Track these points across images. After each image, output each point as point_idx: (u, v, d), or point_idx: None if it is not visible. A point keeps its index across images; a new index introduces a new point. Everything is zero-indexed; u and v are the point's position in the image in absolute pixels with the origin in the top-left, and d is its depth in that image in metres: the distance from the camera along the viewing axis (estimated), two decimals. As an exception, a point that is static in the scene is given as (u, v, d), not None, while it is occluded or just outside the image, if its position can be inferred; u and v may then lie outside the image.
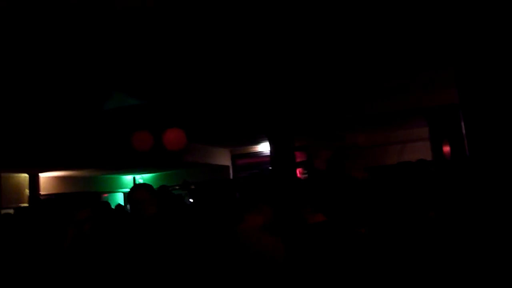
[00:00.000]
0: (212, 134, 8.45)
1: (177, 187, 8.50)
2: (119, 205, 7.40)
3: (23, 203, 8.36)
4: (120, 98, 5.06)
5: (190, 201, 6.62)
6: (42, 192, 9.16)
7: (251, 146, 10.91)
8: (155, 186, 3.22)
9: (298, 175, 8.56)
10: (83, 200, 2.10)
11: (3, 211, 6.92)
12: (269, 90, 5.45)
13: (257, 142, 10.21)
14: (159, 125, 5.81)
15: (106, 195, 11.16)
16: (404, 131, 9.45)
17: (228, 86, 5.10)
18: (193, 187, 7.59)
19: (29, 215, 2.78)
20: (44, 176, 9.46)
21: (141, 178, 12.80)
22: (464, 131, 6.46)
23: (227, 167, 11.42)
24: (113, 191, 11.91)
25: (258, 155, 11.00)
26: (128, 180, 12.92)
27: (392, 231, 2.26)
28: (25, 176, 8.73)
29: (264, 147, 10.53)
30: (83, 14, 2.90)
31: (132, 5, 2.87)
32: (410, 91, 6.13)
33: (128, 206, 8.69)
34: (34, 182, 8.99)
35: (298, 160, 8.24)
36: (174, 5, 2.92)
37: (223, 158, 11.21)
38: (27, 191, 8.73)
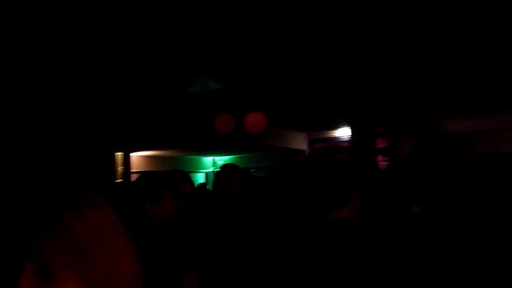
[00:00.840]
0: (291, 118, 8.49)
1: (253, 170, 8.74)
2: (201, 183, 7.85)
3: (118, 179, 9.24)
4: (204, 82, 5.31)
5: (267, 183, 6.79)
6: (132, 170, 10.04)
7: (329, 131, 10.77)
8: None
9: (378, 162, 8.29)
10: (183, 176, 2.29)
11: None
12: (351, 73, 5.32)
13: (336, 127, 10.05)
14: (241, 109, 5.99)
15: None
16: (498, 118, 8.62)
17: (309, 70, 5.09)
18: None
19: (129, 189, 3.09)
20: (134, 155, 10.35)
21: (220, 160, 13.35)
22: None
23: (303, 151, 11.42)
24: (194, 171, 12.61)
25: (335, 140, 10.85)
26: (208, 161, 13.56)
27: (487, 223, 2.14)
28: (120, 154, 9.60)
29: (342, 132, 10.34)
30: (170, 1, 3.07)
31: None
32: (506, 72, 5.51)
33: (208, 185, 9.09)
34: (126, 160, 9.87)
35: (379, 146, 7.98)
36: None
37: (300, 143, 11.23)
38: (121, 168, 9.61)
